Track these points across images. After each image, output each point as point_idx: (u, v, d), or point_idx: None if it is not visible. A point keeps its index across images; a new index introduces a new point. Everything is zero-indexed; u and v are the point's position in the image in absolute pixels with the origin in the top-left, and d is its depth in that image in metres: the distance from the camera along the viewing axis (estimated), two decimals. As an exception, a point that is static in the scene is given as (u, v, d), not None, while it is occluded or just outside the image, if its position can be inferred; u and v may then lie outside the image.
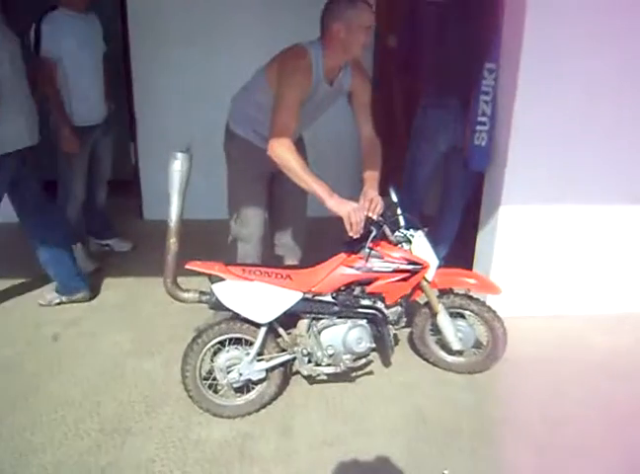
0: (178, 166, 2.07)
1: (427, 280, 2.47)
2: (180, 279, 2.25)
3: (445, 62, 3.12)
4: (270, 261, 2.86)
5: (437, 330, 2.62)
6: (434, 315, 2.55)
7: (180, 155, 2.07)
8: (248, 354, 2.28)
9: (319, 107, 2.61)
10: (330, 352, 2.37)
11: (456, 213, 3.48)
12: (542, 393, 2.58)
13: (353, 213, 2.19)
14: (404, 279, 2.39)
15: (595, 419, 2.41)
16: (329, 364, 2.40)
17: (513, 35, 2.85)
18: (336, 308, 2.35)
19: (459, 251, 3.39)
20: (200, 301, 2.26)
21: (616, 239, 3.17)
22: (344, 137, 4.22)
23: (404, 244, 2.44)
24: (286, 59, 2.41)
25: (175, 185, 2.09)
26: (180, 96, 4.45)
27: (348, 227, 2.21)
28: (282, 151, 2.26)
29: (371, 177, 2.49)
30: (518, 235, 3.10)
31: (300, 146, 2.79)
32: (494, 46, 3.00)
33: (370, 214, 2.29)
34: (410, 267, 2.39)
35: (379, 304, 2.41)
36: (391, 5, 3.80)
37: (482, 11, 3.04)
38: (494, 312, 2.58)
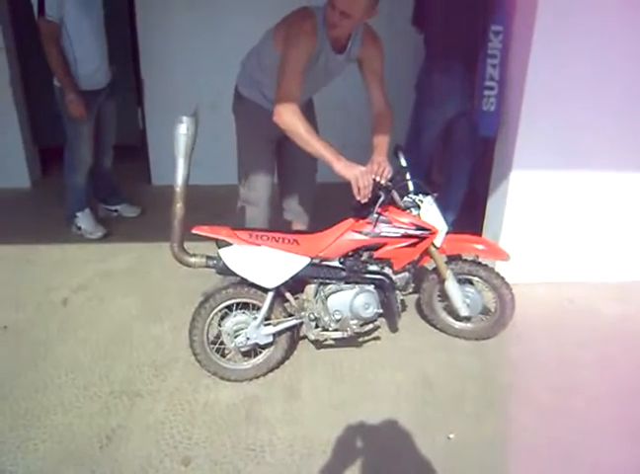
0: (183, 130, 2.05)
1: (435, 246, 2.45)
2: (188, 245, 2.25)
3: (451, 26, 3.06)
4: (278, 225, 2.85)
5: (444, 296, 2.61)
6: (441, 281, 2.54)
7: (185, 119, 2.04)
8: (255, 318, 2.29)
9: (327, 73, 2.56)
10: (337, 317, 2.37)
11: (464, 179, 3.45)
12: (549, 359, 2.59)
13: (360, 177, 2.16)
14: (412, 245, 2.37)
15: (601, 386, 2.41)
16: (336, 329, 2.41)
17: (526, 6, 2.77)
18: (343, 273, 2.35)
19: (468, 217, 3.36)
20: (207, 266, 2.25)
21: (626, 207, 3.12)
22: (351, 101, 4.15)
23: (413, 209, 2.41)
24: (293, 22, 2.36)
25: (181, 149, 2.07)
26: (187, 60, 4.38)
27: (355, 191, 2.18)
28: (289, 116, 2.23)
29: (381, 143, 2.44)
30: (528, 201, 3.06)
31: (310, 110, 2.76)
32: (499, 7, 2.92)
33: (379, 179, 2.25)
34: (418, 232, 2.37)
35: (387, 270, 2.40)
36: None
37: None
38: (502, 278, 2.57)
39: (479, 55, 2.99)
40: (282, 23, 2.42)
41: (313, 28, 2.30)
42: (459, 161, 3.44)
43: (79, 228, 3.67)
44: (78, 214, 3.66)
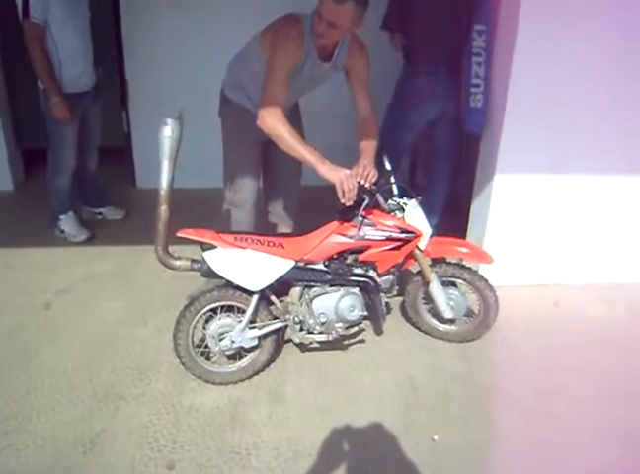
0: (168, 132, 2.04)
1: (419, 249, 2.47)
2: (173, 248, 2.24)
3: (434, 29, 3.08)
4: (263, 228, 2.85)
5: (429, 298, 2.62)
6: (426, 284, 2.55)
7: (170, 121, 2.04)
8: (240, 321, 2.28)
9: (313, 80, 2.58)
10: (322, 319, 2.37)
11: (445, 181, 3.48)
12: (533, 362, 2.61)
13: (345, 180, 2.17)
14: (397, 248, 2.38)
15: (585, 388, 2.43)
16: (321, 332, 2.41)
17: (509, 7, 2.80)
18: (328, 276, 2.35)
19: (452, 220, 3.39)
20: (192, 269, 2.25)
21: (610, 209, 3.16)
22: (337, 104, 4.17)
23: (397, 212, 2.43)
24: (280, 28, 2.37)
25: (165, 151, 2.06)
26: (172, 62, 4.38)
27: (340, 194, 2.19)
28: (272, 121, 2.24)
29: (368, 148, 2.45)
30: (511, 204, 3.09)
31: (295, 113, 2.78)
32: (482, 7, 2.96)
33: (363, 182, 2.27)
34: (403, 235, 2.38)
35: (372, 272, 2.41)
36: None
37: None
38: (486, 281, 2.59)
39: (464, 54, 3.03)
40: (269, 28, 2.43)
41: (300, 35, 2.32)
42: (440, 163, 3.47)
43: (62, 231, 3.65)
44: (62, 217, 3.63)
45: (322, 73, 2.53)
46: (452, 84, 3.13)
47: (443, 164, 3.46)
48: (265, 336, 2.35)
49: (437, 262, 2.58)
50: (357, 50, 2.51)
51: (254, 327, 2.32)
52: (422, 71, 3.18)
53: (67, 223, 3.64)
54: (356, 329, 2.50)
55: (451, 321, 2.67)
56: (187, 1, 4.22)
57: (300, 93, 2.67)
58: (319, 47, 2.40)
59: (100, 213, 4.01)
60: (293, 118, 2.58)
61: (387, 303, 2.76)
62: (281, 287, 2.40)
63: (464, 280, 2.61)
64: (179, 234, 2.18)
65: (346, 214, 2.33)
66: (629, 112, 2.96)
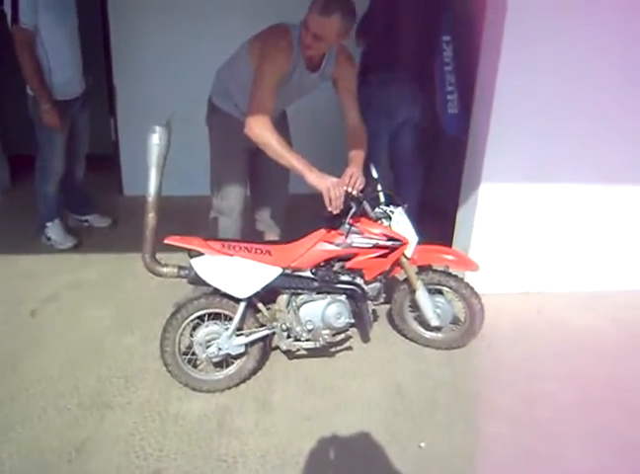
0: (156, 140, 2.05)
1: (406, 257, 2.48)
2: (161, 255, 2.24)
3: (402, 39, 3.21)
4: (250, 236, 2.86)
5: (415, 306, 2.64)
6: (412, 291, 2.57)
7: (158, 129, 2.05)
8: (227, 328, 2.28)
9: (301, 90, 2.61)
10: (309, 327, 2.38)
11: (414, 187, 3.57)
12: (518, 369, 2.63)
13: (332, 188, 2.19)
14: (383, 256, 2.40)
15: (569, 395, 2.45)
16: (308, 339, 2.41)
17: (495, 14, 2.85)
18: (315, 284, 2.36)
19: (439, 227, 3.41)
20: (179, 276, 2.25)
21: (593, 218, 3.21)
22: (325, 113, 4.20)
23: (384, 220, 2.45)
24: (268, 37, 2.40)
25: (153, 159, 2.07)
26: (160, 70, 4.38)
27: (327, 202, 2.21)
28: (260, 129, 2.26)
29: (356, 157, 2.48)
30: (497, 213, 3.12)
31: (283, 121, 2.80)
32: (447, 19, 3.12)
33: (350, 190, 2.28)
34: (389, 243, 2.40)
35: (358, 280, 2.42)
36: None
37: None
38: (472, 289, 2.61)
39: (435, 64, 3.19)
40: (258, 38, 2.46)
41: (289, 45, 2.34)
42: (406, 170, 3.58)
43: (49, 238, 3.63)
44: (48, 224, 3.62)
45: (310, 83, 2.56)
46: (418, 90, 3.29)
47: (409, 171, 3.57)
48: (252, 343, 2.35)
49: (423, 269, 2.60)
50: (344, 61, 2.54)
51: (241, 334, 2.32)
52: (391, 79, 3.29)
53: (54, 230, 3.62)
54: (342, 336, 2.52)
55: (438, 328, 2.69)
56: (175, 9, 4.23)
57: (288, 102, 2.69)
58: (307, 58, 2.42)
59: (86, 221, 4.00)
60: (281, 125, 2.60)
61: (374, 311, 2.76)
62: (269, 295, 2.40)
63: (450, 288, 2.63)
64: (166, 241, 2.18)
65: (333, 222, 2.35)
66: (614, 120, 3.00)
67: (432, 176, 4.21)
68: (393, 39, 3.22)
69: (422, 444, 2.12)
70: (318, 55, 2.45)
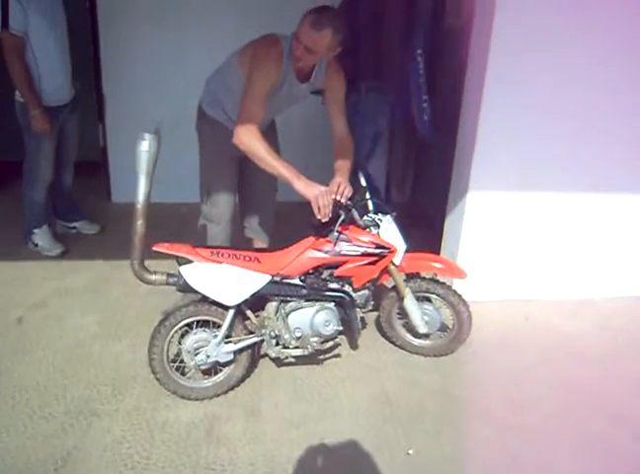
0: (145, 147, 2.05)
1: (394, 264, 2.50)
2: (149, 262, 2.24)
3: (383, 50, 3.51)
4: (239, 243, 2.86)
5: (403, 313, 2.65)
6: (401, 299, 2.58)
7: (148, 136, 2.05)
8: (216, 336, 2.28)
9: (290, 100, 2.64)
10: (297, 334, 2.38)
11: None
12: (506, 375, 2.64)
13: (320, 196, 2.20)
14: (372, 263, 2.41)
15: (557, 400, 2.47)
16: (296, 347, 2.42)
17: (482, 23, 2.88)
18: (304, 291, 2.37)
19: (427, 236, 3.43)
20: (168, 283, 2.25)
21: (580, 226, 3.24)
22: (315, 123, 4.22)
23: (372, 228, 2.46)
24: (259, 47, 2.42)
25: (142, 166, 2.07)
26: (149, 77, 4.38)
27: (316, 210, 2.22)
28: (248, 138, 2.27)
29: (343, 166, 2.51)
30: (484, 221, 3.15)
31: (271, 130, 2.81)
32: (419, 33, 3.31)
33: (339, 198, 2.30)
34: (378, 251, 2.41)
35: (347, 287, 2.43)
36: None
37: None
38: (459, 296, 2.63)
39: (411, 74, 3.36)
40: (249, 47, 2.47)
41: (279, 56, 2.37)
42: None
43: (36, 245, 3.60)
44: (35, 231, 3.59)
45: (299, 93, 2.58)
46: (396, 99, 3.56)
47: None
48: (240, 351, 2.35)
49: (411, 277, 2.61)
50: (334, 73, 2.58)
51: (229, 342, 2.32)
52: (374, 87, 3.52)
53: (41, 237, 3.60)
54: (331, 344, 2.52)
55: (426, 336, 2.70)
56: (164, 16, 4.24)
57: (277, 111, 2.71)
58: (297, 69, 2.44)
59: (74, 227, 3.98)
60: (269, 135, 2.62)
61: (362, 318, 2.78)
62: (258, 302, 2.40)
63: (438, 296, 2.64)
64: (155, 248, 2.18)
65: (321, 230, 2.36)
66: (602, 127, 3.04)
67: (420, 183, 4.26)
68: (376, 48, 3.49)
69: (410, 451, 2.12)
70: (308, 66, 2.47)
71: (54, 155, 3.50)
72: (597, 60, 2.90)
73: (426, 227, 3.59)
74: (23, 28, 3.11)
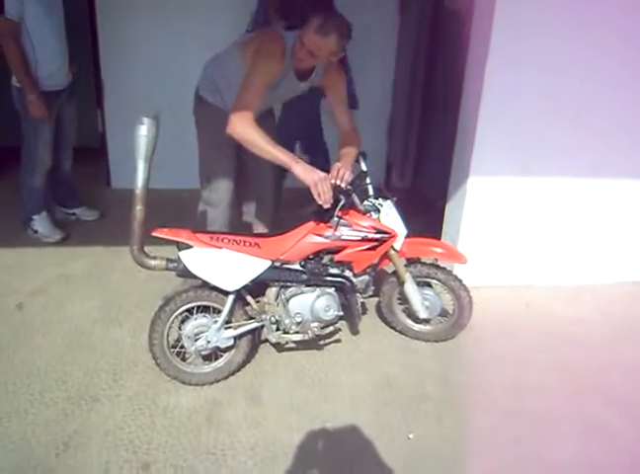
0: (144, 131, 2.04)
1: (395, 249, 2.49)
2: (150, 248, 2.24)
3: None
4: (239, 228, 2.85)
5: (404, 298, 2.65)
6: (401, 284, 2.58)
7: (146, 120, 2.04)
8: (216, 321, 2.28)
9: (287, 95, 2.68)
10: (298, 319, 2.38)
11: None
12: (507, 361, 2.65)
13: (320, 182, 2.19)
14: (372, 248, 2.41)
15: (557, 386, 2.47)
16: (297, 332, 2.42)
17: (483, 10, 2.85)
18: (304, 276, 2.36)
19: (428, 220, 3.42)
20: (167, 269, 2.24)
21: (581, 212, 3.23)
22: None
23: (373, 213, 2.45)
24: (264, 42, 2.42)
25: (141, 151, 2.05)
26: (148, 62, 4.35)
27: (316, 196, 2.21)
28: (243, 127, 2.27)
29: (347, 155, 2.52)
30: (485, 206, 3.14)
31: (269, 117, 2.80)
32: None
33: (339, 182, 2.29)
34: (378, 236, 2.40)
35: (347, 273, 2.43)
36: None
37: None
38: (460, 281, 2.62)
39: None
40: (253, 40, 2.49)
41: (282, 53, 2.38)
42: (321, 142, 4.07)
43: (35, 231, 3.60)
44: (34, 217, 3.59)
45: (296, 90, 2.61)
46: None
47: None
48: (241, 336, 2.35)
49: (412, 262, 2.60)
50: (333, 71, 2.59)
51: (230, 327, 2.32)
52: None
53: (40, 223, 3.60)
54: (331, 329, 2.52)
55: (426, 321, 2.70)
56: (163, 3, 4.20)
57: (272, 104, 2.75)
58: (297, 68, 2.45)
59: (74, 214, 3.97)
60: (266, 119, 2.62)
61: (363, 303, 2.78)
62: (258, 287, 2.40)
63: (439, 281, 2.64)
64: (154, 234, 2.17)
65: (322, 214, 2.34)
66: (602, 114, 3.02)
67: (421, 168, 4.25)
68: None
69: (410, 436, 2.13)
70: (309, 67, 2.46)
71: (53, 141, 3.48)
72: (598, 46, 2.87)
73: (427, 212, 3.57)
74: (18, 13, 3.08)
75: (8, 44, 3.11)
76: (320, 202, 2.23)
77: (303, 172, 2.21)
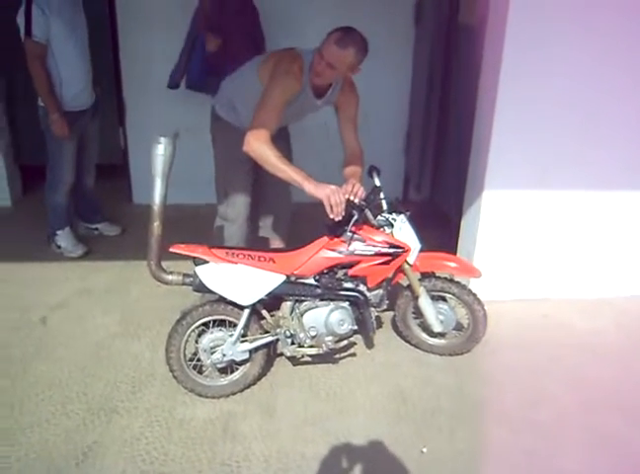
0: (161, 150, 2.10)
1: (409, 264, 2.51)
2: (168, 263, 2.29)
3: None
4: (256, 243, 2.89)
5: (418, 312, 2.66)
6: (415, 298, 2.59)
7: (163, 140, 2.10)
8: (232, 335, 2.32)
9: (303, 112, 2.69)
10: (312, 333, 2.41)
11: None
12: (521, 375, 2.64)
13: (331, 195, 2.22)
14: (386, 263, 2.43)
15: (573, 401, 2.46)
16: (311, 346, 2.44)
17: (496, 24, 2.87)
18: (318, 291, 2.39)
19: (443, 235, 3.43)
20: (184, 283, 2.29)
21: (596, 225, 3.21)
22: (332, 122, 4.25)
23: (386, 228, 2.48)
24: (281, 60, 2.46)
25: (158, 169, 2.12)
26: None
27: (328, 209, 2.24)
28: (257, 145, 2.31)
29: (354, 173, 2.55)
30: (500, 220, 3.14)
31: (284, 134, 2.85)
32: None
33: (353, 198, 2.32)
34: (392, 250, 2.42)
35: (361, 287, 2.45)
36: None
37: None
38: (474, 295, 2.63)
39: None
40: (271, 59, 2.53)
41: (300, 70, 2.42)
42: None
43: (59, 246, 3.68)
44: (58, 233, 3.67)
45: (313, 107, 2.64)
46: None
47: None
48: (256, 349, 2.38)
49: (426, 276, 2.62)
50: (348, 90, 2.63)
51: (245, 341, 2.36)
52: None
53: (64, 239, 3.68)
54: (346, 342, 2.53)
55: (441, 335, 2.71)
56: (183, 22, 4.29)
57: (288, 121, 2.77)
58: (314, 85, 2.49)
59: (96, 229, 4.04)
60: (281, 138, 2.66)
61: (378, 317, 2.79)
62: (273, 302, 2.43)
63: (453, 295, 2.64)
64: (171, 249, 2.22)
65: (335, 230, 2.37)
66: (618, 126, 3.01)
67: (437, 182, 4.25)
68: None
69: (424, 449, 2.14)
70: (326, 83, 2.51)
71: (76, 159, 3.57)
72: (611, 57, 2.87)
73: (444, 227, 3.58)
74: (45, 35, 3.18)
75: (34, 66, 3.21)
76: (332, 216, 2.26)
77: (314, 188, 2.25)
